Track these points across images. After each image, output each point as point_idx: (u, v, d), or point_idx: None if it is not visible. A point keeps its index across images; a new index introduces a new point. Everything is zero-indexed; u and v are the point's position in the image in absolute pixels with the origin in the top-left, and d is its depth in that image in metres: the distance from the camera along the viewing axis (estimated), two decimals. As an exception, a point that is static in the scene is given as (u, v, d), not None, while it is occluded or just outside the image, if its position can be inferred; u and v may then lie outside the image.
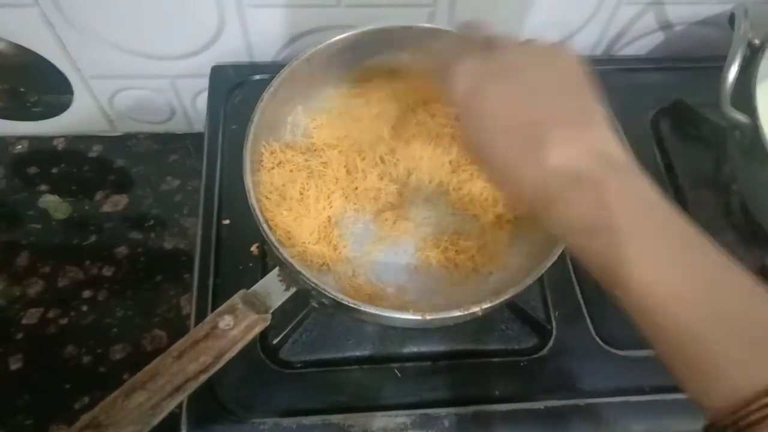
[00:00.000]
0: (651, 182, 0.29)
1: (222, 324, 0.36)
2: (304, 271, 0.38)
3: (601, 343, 0.46)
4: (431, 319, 0.37)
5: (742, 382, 0.24)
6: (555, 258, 0.39)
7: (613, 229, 0.28)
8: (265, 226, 0.39)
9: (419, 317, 0.37)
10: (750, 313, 0.26)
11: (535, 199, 0.30)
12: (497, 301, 0.38)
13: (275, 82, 0.44)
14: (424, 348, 0.45)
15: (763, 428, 0.23)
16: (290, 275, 0.39)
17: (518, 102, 0.31)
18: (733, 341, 0.25)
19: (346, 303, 0.37)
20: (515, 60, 0.32)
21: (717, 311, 0.26)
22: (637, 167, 0.29)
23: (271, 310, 0.38)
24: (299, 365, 0.44)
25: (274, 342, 0.44)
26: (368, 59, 0.50)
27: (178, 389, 0.34)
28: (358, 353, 0.45)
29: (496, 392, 0.44)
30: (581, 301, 0.47)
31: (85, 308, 0.58)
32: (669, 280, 0.27)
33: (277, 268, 0.40)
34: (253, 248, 0.48)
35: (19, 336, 0.56)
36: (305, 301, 0.44)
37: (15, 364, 0.55)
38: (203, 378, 0.35)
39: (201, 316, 0.44)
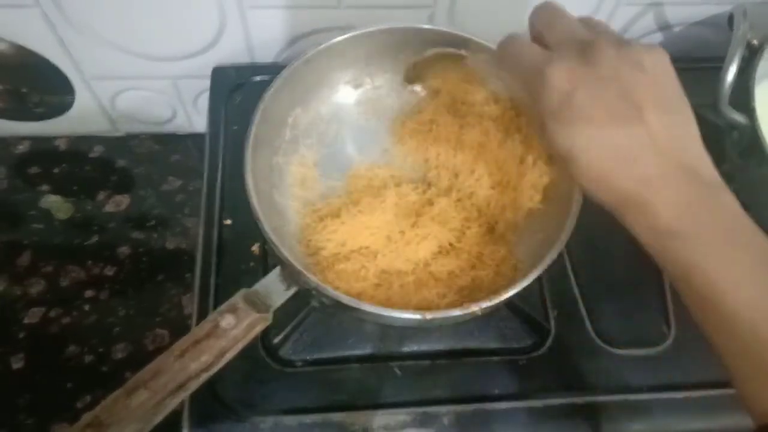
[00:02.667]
0: (737, 201, 0.30)
1: (223, 323, 0.36)
2: (305, 271, 0.38)
3: (599, 341, 0.46)
4: (431, 319, 0.37)
5: None
6: (554, 258, 0.39)
7: (698, 238, 0.29)
8: (265, 226, 0.39)
9: (419, 316, 0.37)
10: None
11: (621, 202, 0.31)
12: (496, 301, 0.38)
13: (276, 83, 0.44)
14: (424, 346, 0.46)
15: None
16: (291, 275, 0.39)
17: (616, 110, 0.31)
18: None
19: (347, 302, 0.37)
20: (615, 64, 0.31)
21: None
22: (724, 185, 0.31)
23: (272, 310, 0.39)
24: (300, 364, 0.45)
25: (275, 341, 0.44)
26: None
27: (179, 388, 0.34)
28: (358, 352, 0.45)
29: (496, 390, 0.44)
30: (579, 300, 0.48)
31: (87, 308, 0.58)
32: (752, 293, 0.28)
33: (278, 268, 0.40)
34: (255, 248, 0.48)
35: (21, 335, 0.57)
36: (306, 301, 0.44)
37: (17, 364, 0.55)
38: (205, 377, 0.35)
39: (202, 315, 0.44)
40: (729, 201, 0.30)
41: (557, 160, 0.35)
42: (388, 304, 0.43)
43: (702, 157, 0.31)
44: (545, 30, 0.35)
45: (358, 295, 0.42)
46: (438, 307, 0.42)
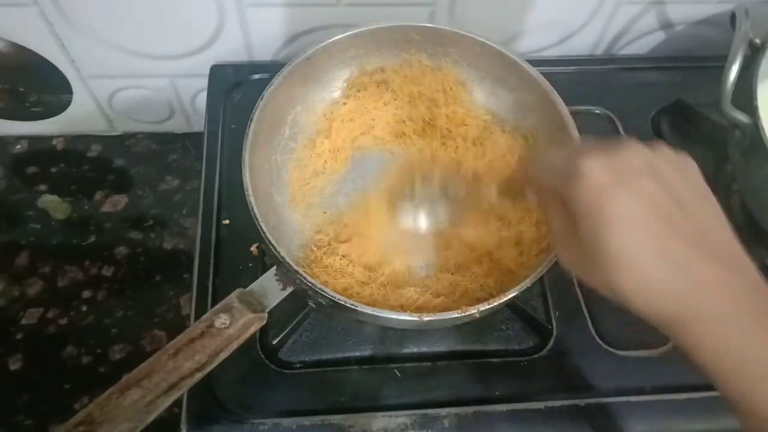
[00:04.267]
0: None
1: (218, 322, 0.36)
2: (301, 271, 0.37)
3: (601, 343, 0.46)
4: (428, 321, 0.37)
5: None
6: (555, 259, 0.38)
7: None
8: (262, 225, 0.39)
9: (416, 318, 0.37)
10: None
11: (674, 317, 0.27)
12: (495, 303, 0.37)
13: (275, 81, 0.44)
14: (424, 348, 0.45)
15: None
16: (287, 275, 0.39)
17: (656, 204, 0.28)
18: None
19: (343, 303, 0.37)
20: (644, 159, 0.29)
21: None
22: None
23: (268, 309, 0.38)
24: (299, 365, 0.44)
25: (274, 342, 0.44)
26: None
27: (173, 387, 0.34)
28: (357, 353, 0.45)
29: (497, 392, 0.44)
30: (581, 301, 0.47)
31: (84, 308, 0.58)
32: None
33: (274, 268, 0.40)
34: (253, 248, 0.48)
35: (19, 336, 0.56)
36: (305, 302, 0.44)
37: (15, 365, 0.55)
38: (198, 376, 0.35)
39: (200, 316, 0.44)
40: None
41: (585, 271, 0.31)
42: (371, 301, 0.42)
43: (751, 266, 0.28)
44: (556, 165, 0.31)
45: (344, 290, 0.42)
46: (414, 305, 0.42)
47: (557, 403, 0.43)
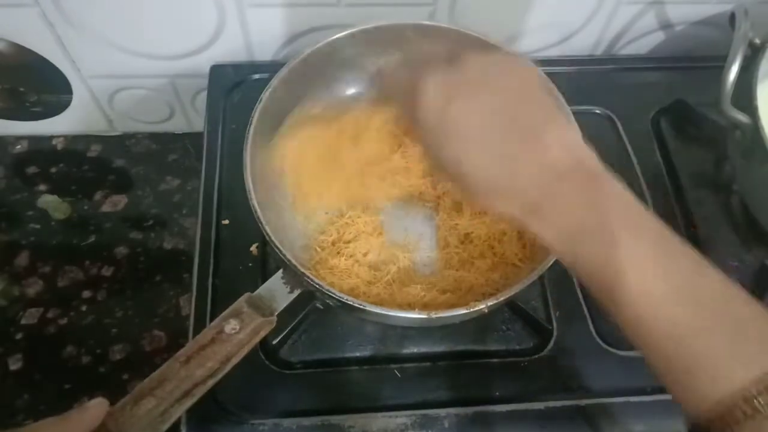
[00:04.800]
0: (624, 184, 0.30)
1: (228, 328, 0.36)
2: (308, 273, 0.37)
3: (601, 343, 0.46)
4: (437, 318, 0.37)
5: (723, 381, 0.26)
6: (555, 258, 0.39)
7: (602, 232, 0.28)
8: (266, 227, 0.39)
9: (425, 316, 0.37)
10: (726, 311, 0.27)
11: (520, 209, 0.30)
12: (503, 298, 0.37)
13: (275, 82, 0.44)
14: (424, 348, 0.45)
15: (744, 425, 0.25)
16: (294, 277, 0.39)
17: (491, 113, 0.31)
18: (713, 340, 0.27)
19: (351, 303, 0.37)
20: (480, 70, 0.32)
21: (698, 312, 0.27)
22: (607, 170, 0.30)
23: (276, 313, 0.38)
24: (299, 366, 0.44)
25: (274, 342, 0.44)
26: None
27: (186, 395, 0.34)
28: (358, 354, 0.45)
29: (497, 393, 0.44)
30: (582, 301, 0.47)
31: (84, 308, 0.58)
32: (655, 286, 0.28)
33: (281, 271, 0.40)
34: (253, 248, 0.48)
35: (19, 336, 0.56)
36: (305, 302, 0.44)
37: (15, 365, 0.55)
38: (211, 383, 0.35)
39: (200, 316, 0.44)
40: (619, 187, 0.30)
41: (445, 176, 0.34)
42: (379, 300, 0.42)
43: (581, 146, 0.31)
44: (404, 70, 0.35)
45: (351, 291, 0.42)
46: (421, 303, 0.42)
47: (557, 404, 0.43)
